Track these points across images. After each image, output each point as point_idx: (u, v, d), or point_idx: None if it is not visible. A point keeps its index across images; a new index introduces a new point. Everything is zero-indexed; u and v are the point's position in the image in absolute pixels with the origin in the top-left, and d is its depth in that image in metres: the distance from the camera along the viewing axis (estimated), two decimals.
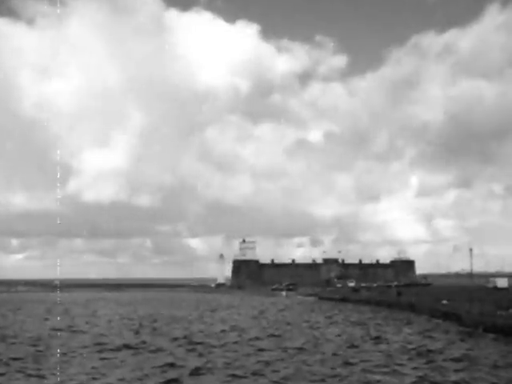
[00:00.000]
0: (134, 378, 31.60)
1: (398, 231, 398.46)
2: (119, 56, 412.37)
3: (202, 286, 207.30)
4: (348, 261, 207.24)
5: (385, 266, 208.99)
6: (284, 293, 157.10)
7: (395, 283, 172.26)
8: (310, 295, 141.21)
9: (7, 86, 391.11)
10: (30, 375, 32.42)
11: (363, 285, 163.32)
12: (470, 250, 68.01)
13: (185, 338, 49.83)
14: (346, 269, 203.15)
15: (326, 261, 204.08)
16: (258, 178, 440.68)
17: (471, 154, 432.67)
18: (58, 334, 54.39)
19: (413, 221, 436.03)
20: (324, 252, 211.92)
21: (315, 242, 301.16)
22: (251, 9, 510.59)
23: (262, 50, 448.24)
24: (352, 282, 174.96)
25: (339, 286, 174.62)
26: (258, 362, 36.45)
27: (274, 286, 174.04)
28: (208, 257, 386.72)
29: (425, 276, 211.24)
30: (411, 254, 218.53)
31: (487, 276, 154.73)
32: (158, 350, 42.23)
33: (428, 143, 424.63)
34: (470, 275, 74.05)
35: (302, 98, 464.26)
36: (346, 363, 35.82)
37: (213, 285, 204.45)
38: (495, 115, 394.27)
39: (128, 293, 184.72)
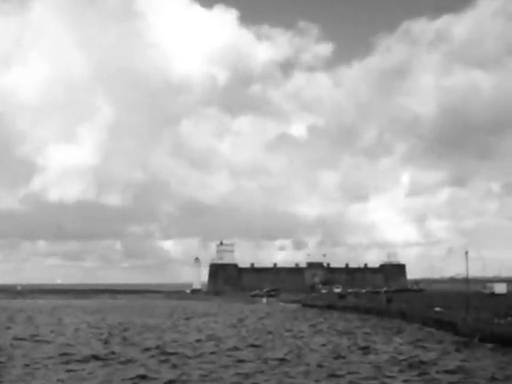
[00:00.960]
0: None
1: (388, 233, 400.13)
2: (86, 43, 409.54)
3: (176, 292, 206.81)
4: (334, 265, 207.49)
5: (373, 270, 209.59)
6: (265, 299, 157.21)
7: (385, 289, 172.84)
8: (293, 302, 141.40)
9: None
10: None
11: (350, 291, 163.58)
12: (466, 253, 68.38)
13: (157, 348, 49.77)
14: (331, 273, 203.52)
15: (310, 265, 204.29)
16: (237, 176, 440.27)
17: (467, 150, 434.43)
18: (21, 343, 54.19)
19: (404, 221, 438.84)
20: (308, 255, 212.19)
21: (298, 245, 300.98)
22: None
23: (240, 38, 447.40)
24: (338, 287, 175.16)
25: (324, 291, 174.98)
26: (237, 374, 36.47)
27: (253, 292, 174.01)
28: (182, 260, 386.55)
29: (417, 281, 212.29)
30: (402, 257, 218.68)
31: (484, 281, 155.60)
32: (129, 361, 42.13)
33: (420, 138, 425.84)
34: (466, 280, 74.50)
35: (283, 89, 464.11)
36: (332, 375, 35.92)
37: (188, 291, 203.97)
38: (492, 107, 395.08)
39: (96, 299, 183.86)
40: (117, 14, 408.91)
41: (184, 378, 35.04)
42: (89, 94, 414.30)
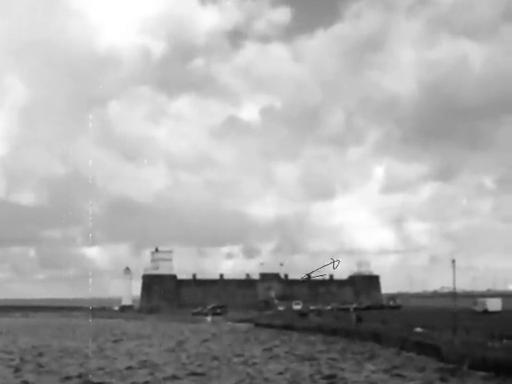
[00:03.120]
0: None
1: (359, 238, 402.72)
2: None
3: (101, 309, 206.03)
4: (293, 276, 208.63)
5: (341, 282, 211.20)
6: (209, 318, 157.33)
7: (354, 305, 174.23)
8: (244, 321, 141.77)
9: None
10: None
11: (313, 307, 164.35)
12: (453, 261, 68.90)
13: (80, 376, 49.56)
14: (290, 286, 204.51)
15: (265, 276, 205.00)
16: (176, 168, 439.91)
17: (454, 138, 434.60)
18: None
19: (378, 224, 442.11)
20: (261, 264, 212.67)
21: (250, 252, 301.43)
22: None
23: (180, 1, 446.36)
24: (298, 303, 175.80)
25: (281, 308, 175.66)
26: None
27: (196, 310, 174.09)
28: (110, 271, 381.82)
29: (393, 296, 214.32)
30: (375, 267, 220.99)
31: (475, 296, 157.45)
32: None
33: (397, 123, 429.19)
34: (453, 295, 75.19)
35: (232, 64, 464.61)
36: None
37: (116, 307, 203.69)
38: (485, 86, 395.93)
39: (5, 318, 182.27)
40: None
41: None
42: None
